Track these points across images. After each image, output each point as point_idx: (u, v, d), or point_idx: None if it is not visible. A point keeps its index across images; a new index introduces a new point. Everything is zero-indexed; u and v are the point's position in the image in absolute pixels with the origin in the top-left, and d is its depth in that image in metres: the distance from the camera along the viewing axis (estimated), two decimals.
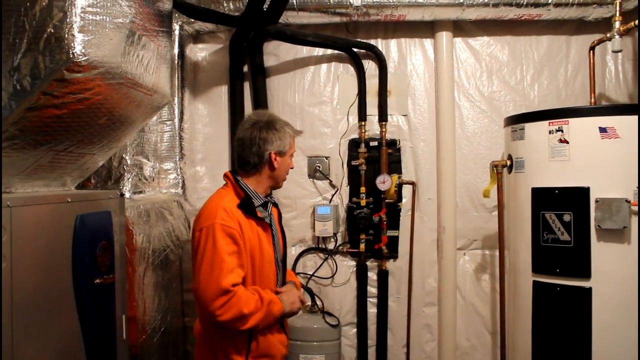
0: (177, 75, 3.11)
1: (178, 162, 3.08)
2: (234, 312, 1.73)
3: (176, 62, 3.09)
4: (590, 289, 2.25)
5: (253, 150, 1.93)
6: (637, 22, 2.51)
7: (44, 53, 1.33)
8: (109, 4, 1.48)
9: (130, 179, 2.62)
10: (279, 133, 1.96)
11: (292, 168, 2.07)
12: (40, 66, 1.34)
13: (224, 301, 1.72)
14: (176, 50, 3.09)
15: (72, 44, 1.34)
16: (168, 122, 3.05)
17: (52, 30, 1.33)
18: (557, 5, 2.83)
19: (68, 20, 1.34)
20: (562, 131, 2.30)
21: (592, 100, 2.79)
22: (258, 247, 1.89)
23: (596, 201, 2.23)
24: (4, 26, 1.35)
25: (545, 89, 3.20)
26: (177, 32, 3.09)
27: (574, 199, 2.28)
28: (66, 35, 1.34)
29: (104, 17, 1.45)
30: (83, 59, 1.36)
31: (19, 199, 1.46)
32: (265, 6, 2.64)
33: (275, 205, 2.16)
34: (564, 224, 2.30)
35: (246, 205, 1.89)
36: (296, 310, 1.97)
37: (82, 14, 1.37)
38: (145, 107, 1.90)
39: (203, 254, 1.77)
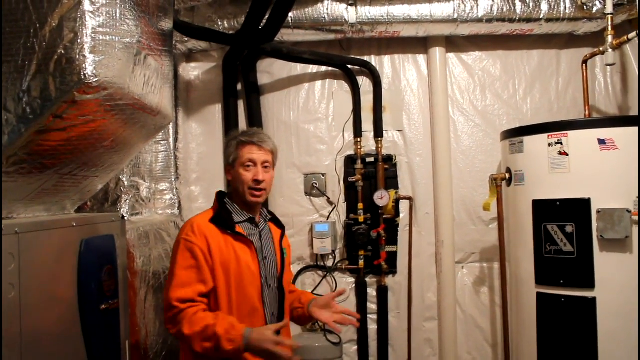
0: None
1: (174, 182, 3.03)
2: (177, 329, 1.75)
3: None
4: (594, 299, 2.26)
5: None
6: (628, 36, 2.56)
7: (55, 75, 1.30)
8: (117, 24, 1.46)
9: (127, 201, 2.57)
10: (227, 146, 2.02)
11: (257, 179, 1.90)
12: (50, 88, 1.30)
13: (171, 315, 1.77)
14: None
15: (84, 65, 1.31)
16: (163, 142, 3.00)
17: (63, 52, 1.30)
18: (548, 20, 2.89)
19: (79, 41, 1.31)
20: (561, 144, 2.33)
21: (587, 112, 2.83)
22: (235, 261, 1.84)
23: (598, 212, 2.25)
24: (12, 49, 1.32)
25: (537, 102, 3.24)
26: None
27: (575, 211, 2.30)
28: (77, 56, 1.30)
29: (114, 37, 1.42)
30: (94, 80, 1.33)
31: (27, 224, 1.42)
32: (262, 25, 2.64)
33: (277, 224, 2.13)
34: (566, 235, 2.31)
35: (219, 220, 1.89)
36: (266, 349, 1.67)
37: (92, 35, 1.34)
38: (149, 128, 1.88)
39: (169, 269, 1.89)
